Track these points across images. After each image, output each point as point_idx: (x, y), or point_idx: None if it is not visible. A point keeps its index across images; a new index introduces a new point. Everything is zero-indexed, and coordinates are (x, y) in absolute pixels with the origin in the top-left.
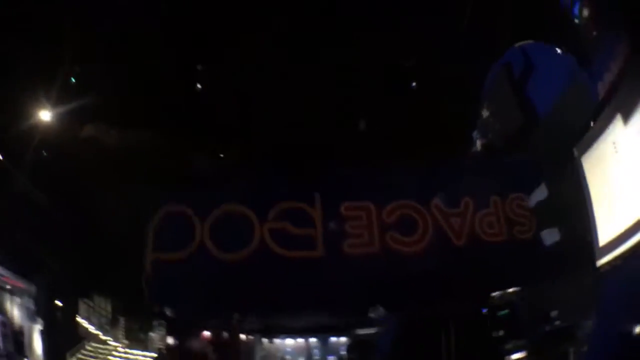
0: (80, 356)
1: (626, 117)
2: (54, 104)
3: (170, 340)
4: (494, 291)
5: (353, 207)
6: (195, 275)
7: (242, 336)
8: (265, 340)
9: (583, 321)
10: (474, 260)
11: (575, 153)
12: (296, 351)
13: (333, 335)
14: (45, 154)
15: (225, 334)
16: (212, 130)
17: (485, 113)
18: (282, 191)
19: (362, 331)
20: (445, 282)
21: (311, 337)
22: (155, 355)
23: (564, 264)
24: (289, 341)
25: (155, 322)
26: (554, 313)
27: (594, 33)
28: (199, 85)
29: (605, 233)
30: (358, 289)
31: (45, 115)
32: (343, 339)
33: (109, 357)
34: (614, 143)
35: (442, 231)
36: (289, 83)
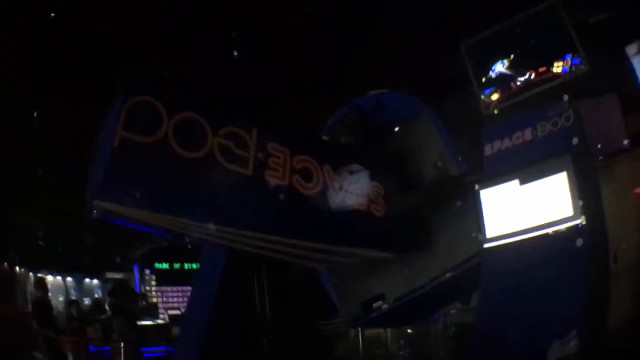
0: None
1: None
2: None
3: None
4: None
5: (276, 148)
6: (157, 163)
7: (17, 268)
8: (30, 275)
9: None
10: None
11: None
12: (54, 288)
13: (87, 277)
14: None
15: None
16: None
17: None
18: (231, 116)
19: (112, 275)
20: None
21: (68, 276)
22: None
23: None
24: (49, 278)
25: None
26: (377, 304)
27: None
28: None
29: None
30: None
31: None
32: (96, 281)
33: None
34: None
35: (328, 188)
36: None
